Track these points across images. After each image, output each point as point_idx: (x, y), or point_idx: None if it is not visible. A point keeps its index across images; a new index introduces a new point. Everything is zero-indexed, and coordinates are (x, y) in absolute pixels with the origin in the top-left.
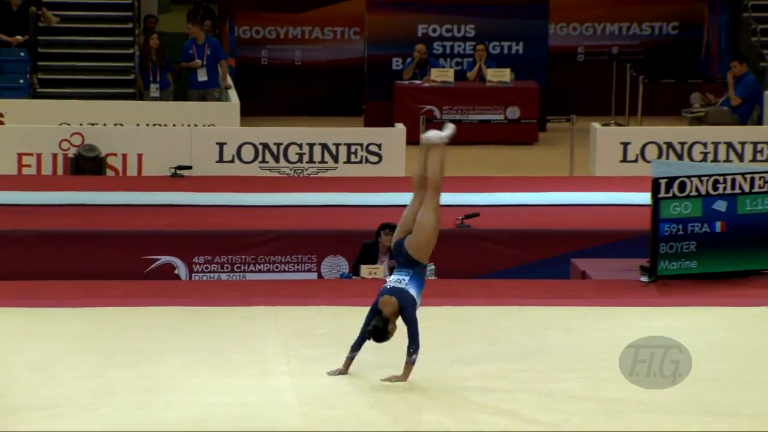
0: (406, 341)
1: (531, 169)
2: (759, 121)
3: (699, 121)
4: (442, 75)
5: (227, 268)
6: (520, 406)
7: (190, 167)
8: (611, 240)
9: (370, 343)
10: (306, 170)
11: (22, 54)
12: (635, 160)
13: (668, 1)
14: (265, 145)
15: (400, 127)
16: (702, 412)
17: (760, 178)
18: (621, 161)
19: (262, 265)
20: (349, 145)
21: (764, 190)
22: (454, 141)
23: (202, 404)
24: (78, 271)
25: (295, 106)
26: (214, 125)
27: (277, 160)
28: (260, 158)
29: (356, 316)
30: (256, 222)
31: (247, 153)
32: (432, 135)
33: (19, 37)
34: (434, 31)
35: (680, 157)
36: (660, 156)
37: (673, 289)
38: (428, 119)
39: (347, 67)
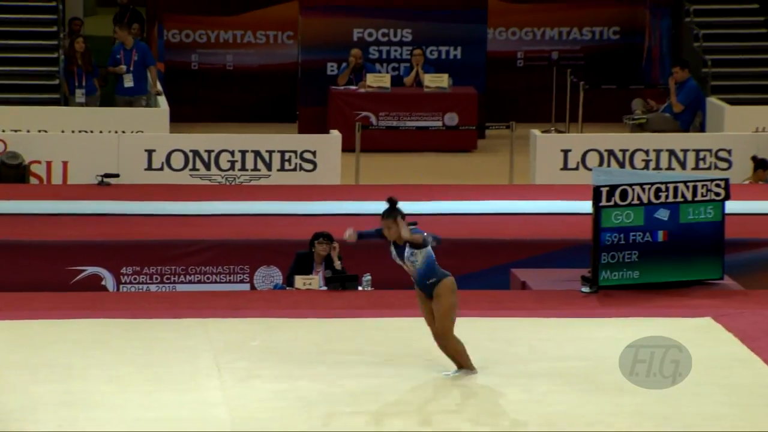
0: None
1: (469, 177)
2: (701, 128)
3: (641, 127)
4: (379, 80)
5: (156, 279)
6: (461, 421)
7: (117, 175)
8: (552, 250)
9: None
10: (238, 178)
11: None
12: (576, 168)
13: (609, 5)
14: (196, 153)
15: (336, 134)
16: (647, 424)
17: (703, 186)
18: (561, 169)
19: (192, 276)
20: (282, 153)
21: (707, 198)
22: (391, 148)
23: (130, 420)
24: (1, 283)
25: (226, 112)
26: (142, 132)
27: (208, 167)
28: (190, 166)
29: (290, 328)
30: (186, 231)
31: (177, 160)
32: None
33: None
34: (370, 35)
35: (622, 164)
36: (601, 163)
37: (614, 300)
38: (364, 125)
39: (280, 72)
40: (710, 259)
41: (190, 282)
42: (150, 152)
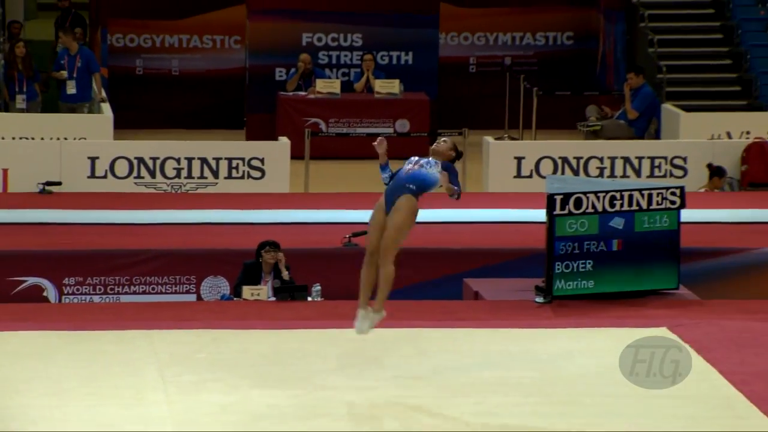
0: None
1: None
2: (656, 135)
3: (595, 134)
4: (328, 86)
5: (100, 289)
6: None
7: (59, 183)
8: (505, 259)
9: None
10: (184, 186)
11: None
12: (530, 176)
13: (563, 10)
14: (141, 160)
15: (284, 141)
16: None
17: (658, 194)
18: (515, 177)
19: (137, 287)
20: (229, 160)
21: (662, 206)
22: (341, 155)
23: None
24: None
25: (172, 118)
26: (85, 138)
27: (153, 175)
28: (135, 173)
29: (238, 340)
30: (130, 241)
31: (121, 168)
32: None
33: None
34: (319, 40)
35: (576, 172)
36: (555, 171)
37: (569, 310)
38: (313, 132)
39: (227, 77)
40: (666, 268)
41: (134, 293)
42: (93, 159)
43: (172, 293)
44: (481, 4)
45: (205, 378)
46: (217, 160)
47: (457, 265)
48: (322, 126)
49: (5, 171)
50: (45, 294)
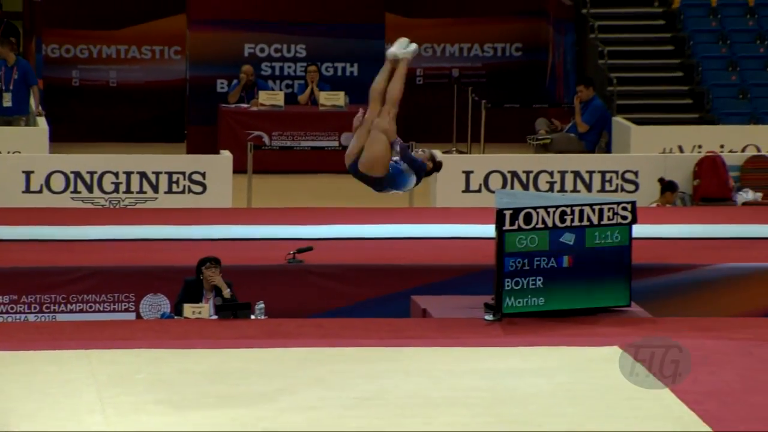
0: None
1: (368, 199)
2: (607, 149)
3: (545, 148)
4: (271, 98)
5: (35, 308)
6: None
7: None
8: (454, 275)
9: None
10: (123, 201)
11: None
12: (478, 190)
13: (511, 21)
14: (77, 174)
15: (226, 155)
16: None
17: (609, 209)
18: (463, 191)
19: (74, 305)
20: (170, 174)
21: (613, 222)
22: (285, 169)
23: None
24: None
25: (110, 131)
26: (19, 152)
27: (90, 190)
28: (72, 188)
29: (179, 360)
30: (67, 258)
31: (57, 182)
32: (398, 50)
33: None
34: (262, 50)
35: (525, 186)
36: (504, 185)
37: (519, 328)
38: (256, 146)
39: (168, 89)
40: (617, 285)
41: (71, 311)
42: (28, 174)
43: (110, 311)
44: (429, 14)
45: (144, 399)
46: (157, 174)
47: (404, 282)
48: (266, 139)
49: None
50: None
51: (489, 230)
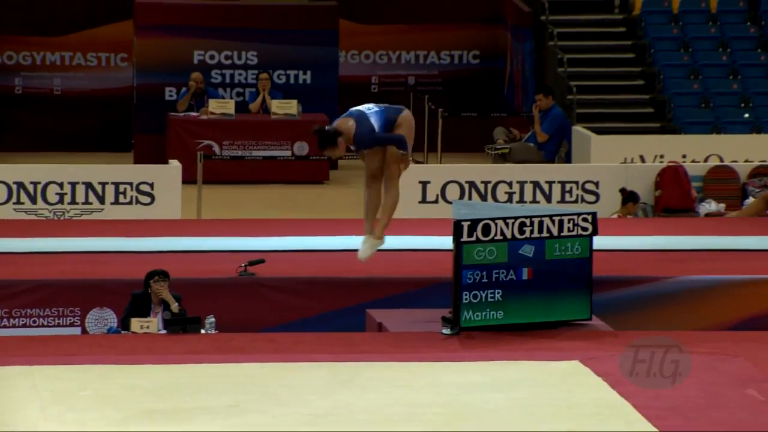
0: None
1: (321, 210)
2: (567, 159)
3: (503, 158)
4: (222, 106)
5: None
6: None
7: None
8: (410, 288)
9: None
10: (68, 212)
11: None
12: (435, 201)
13: (468, 28)
14: (20, 185)
15: (175, 164)
16: None
17: (569, 220)
18: (420, 202)
19: (16, 320)
20: (116, 184)
21: (574, 233)
22: (236, 179)
23: None
24: None
25: (54, 140)
26: None
27: (33, 201)
28: (14, 199)
29: (126, 376)
30: (10, 271)
31: None
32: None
33: None
34: (212, 57)
35: (484, 197)
36: (462, 196)
37: (477, 342)
38: (206, 155)
39: (114, 97)
40: (578, 298)
41: (14, 326)
42: None
43: (55, 326)
44: (384, 20)
45: (89, 416)
46: (103, 184)
47: (359, 295)
48: (216, 149)
49: None
50: None
51: (446, 242)
